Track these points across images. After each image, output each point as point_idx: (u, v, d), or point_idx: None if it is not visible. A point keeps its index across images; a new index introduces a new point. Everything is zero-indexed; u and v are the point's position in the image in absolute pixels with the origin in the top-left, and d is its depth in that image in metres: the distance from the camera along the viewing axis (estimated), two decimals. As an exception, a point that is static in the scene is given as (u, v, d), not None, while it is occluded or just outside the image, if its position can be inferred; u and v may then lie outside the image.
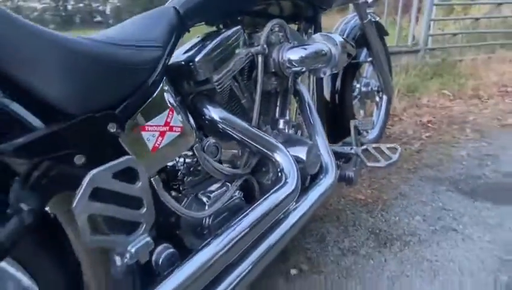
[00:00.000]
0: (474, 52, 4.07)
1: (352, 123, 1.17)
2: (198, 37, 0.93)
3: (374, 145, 1.17)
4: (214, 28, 0.96)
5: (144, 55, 0.63)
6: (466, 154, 1.90)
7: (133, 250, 0.53)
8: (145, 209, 0.55)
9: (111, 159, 0.53)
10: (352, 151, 1.16)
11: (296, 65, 0.97)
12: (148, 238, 0.56)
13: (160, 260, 0.64)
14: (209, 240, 0.71)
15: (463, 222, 1.34)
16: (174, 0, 0.83)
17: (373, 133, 1.81)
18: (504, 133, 2.19)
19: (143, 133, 0.63)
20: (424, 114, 2.58)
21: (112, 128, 0.55)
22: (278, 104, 1.09)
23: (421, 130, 2.27)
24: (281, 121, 1.08)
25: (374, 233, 1.28)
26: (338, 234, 1.27)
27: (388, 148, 1.14)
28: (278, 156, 0.90)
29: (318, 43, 0.99)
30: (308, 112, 1.16)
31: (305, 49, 0.98)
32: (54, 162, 0.49)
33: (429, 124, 2.39)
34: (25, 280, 0.51)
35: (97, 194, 0.48)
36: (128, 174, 0.53)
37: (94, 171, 0.48)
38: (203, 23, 0.93)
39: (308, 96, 1.18)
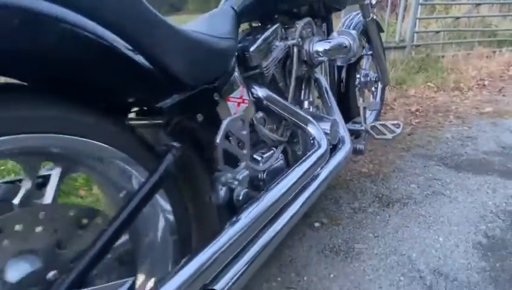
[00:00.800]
0: (455, 48, 4.40)
1: (361, 105, 1.41)
2: (243, 31, 1.15)
3: (380, 122, 1.42)
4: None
5: (228, 44, 0.85)
6: (450, 137, 2.19)
7: (240, 177, 0.76)
8: (246, 150, 0.77)
9: (216, 119, 0.75)
10: (362, 128, 1.41)
11: (322, 55, 1.21)
12: (247, 172, 0.78)
13: (240, 197, 0.86)
14: (268, 187, 0.93)
15: (450, 188, 1.61)
16: (230, 1, 1.05)
17: (370, 118, 2.07)
18: (482, 120, 2.50)
19: (228, 102, 0.85)
20: (412, 104, 2.87)
21: (216, 96, 0.77)
22: (303, 88, 1.33)
23: (411, 117, 2.55)
24: (307, 102, 1.32)
25: (378, 197, 1.54)
26: (349, 198, 1.53)
27: (392, 124, 1.39)
28: (310, 128, 1.14)
29: (340, 37, 1.23)
30: (326, 95, 1.40)
31: (330, 42, 1.22)
32: (186, 117, 0.71)
33: (417, 112, 2.68)
34: (169, 209, 0.72)
35: (227, 135, 0.70)
36: (239, 125, 0.75)
37: (228, 119, 0.70)
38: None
39: (325, 83, 1.42)
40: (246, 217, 0.81)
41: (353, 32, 1.25)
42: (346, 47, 1.22)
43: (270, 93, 1.08)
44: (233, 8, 1.03)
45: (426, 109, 2.76)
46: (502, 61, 4.18)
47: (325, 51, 1.20)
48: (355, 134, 1.47)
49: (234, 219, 0.79)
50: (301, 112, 1.14)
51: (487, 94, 3.18)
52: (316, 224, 1.34)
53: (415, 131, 2.27)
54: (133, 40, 0.60)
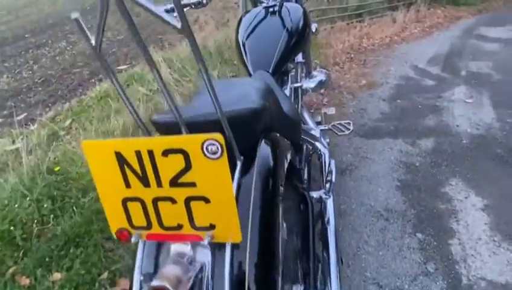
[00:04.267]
0: (324, 24, 5.45)
1: (323, 110, 2.07)
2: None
3: (338, 122, 2.12)
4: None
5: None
6: (352, 111, 3.12)
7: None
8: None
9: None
10: (326, 127, 2.08)
11: (311, 89, 1.78)
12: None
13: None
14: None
15: (368, 152, 2.51)
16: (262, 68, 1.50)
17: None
18: (363, 92, 3.53)
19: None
20: (315, 83, 3.71)
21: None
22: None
23: (321, 98, 3.39)
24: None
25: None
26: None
27: (345, 123, 2.11)
28: (315, 140, 1.74)
29: (320, 74, 1.81)
30: (306, 115, 2.00)
31: (315, 80, 1.79)
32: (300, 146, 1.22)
33: (321, 93, 3.53)
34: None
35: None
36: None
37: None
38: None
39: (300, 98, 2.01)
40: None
41: (324, 70, 1.85)
42: (325, 82, 1.82)
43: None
44: (267, 71, 1.49)
45: (325, 87, 3.64)
46: (356, 34, 5.45)
47: (315, 86, 1.78)
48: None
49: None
50: (307, 130, 1.73)
51: (356, 67, 4.30)
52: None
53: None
54: None
